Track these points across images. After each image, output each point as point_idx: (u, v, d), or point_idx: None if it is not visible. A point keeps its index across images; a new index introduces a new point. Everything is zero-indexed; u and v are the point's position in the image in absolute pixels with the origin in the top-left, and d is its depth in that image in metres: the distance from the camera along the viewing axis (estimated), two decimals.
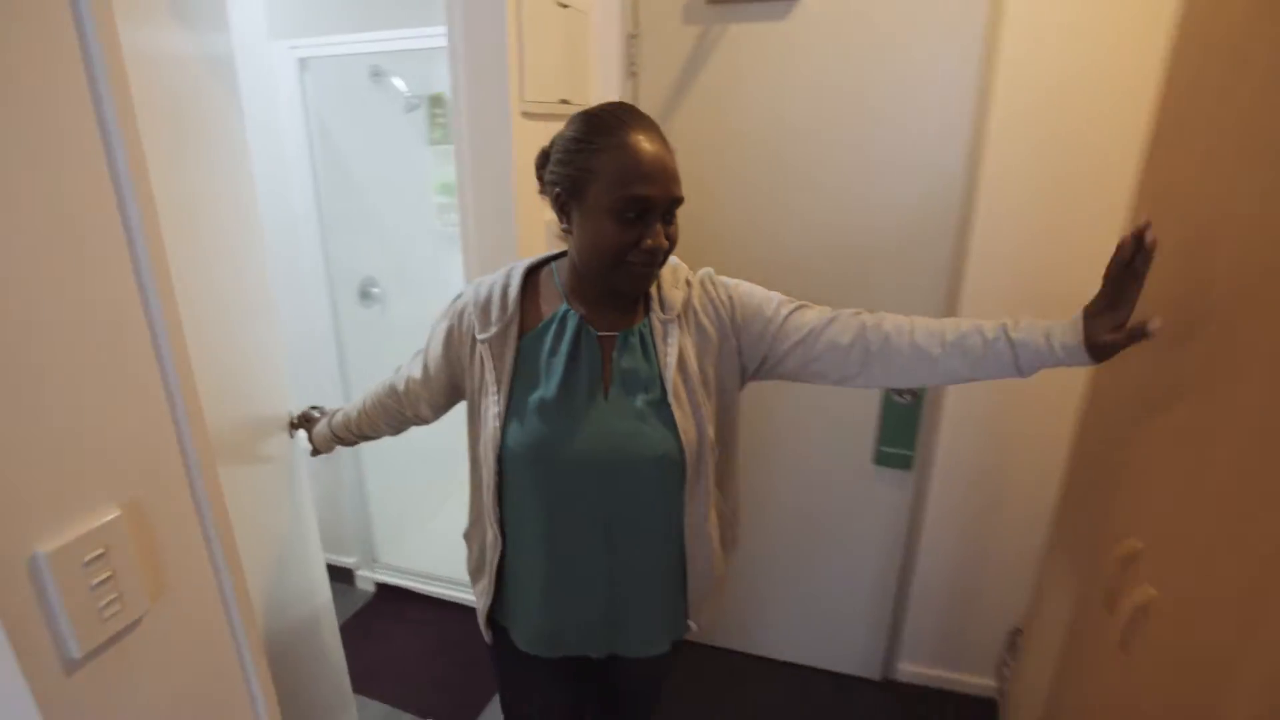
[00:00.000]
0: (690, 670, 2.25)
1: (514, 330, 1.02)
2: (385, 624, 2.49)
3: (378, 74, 2.48)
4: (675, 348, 1.01)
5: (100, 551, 0.65)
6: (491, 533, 1.08)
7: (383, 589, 2.66)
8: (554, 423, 0.99)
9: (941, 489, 1.96)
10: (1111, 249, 0.86)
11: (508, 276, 1.06)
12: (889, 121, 1.68)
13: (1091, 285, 0.90)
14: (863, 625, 2.18)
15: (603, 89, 1.81)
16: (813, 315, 1.04)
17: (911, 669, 2.21)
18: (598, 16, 1.75)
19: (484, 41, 1.34)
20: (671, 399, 0.99)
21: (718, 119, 1.80)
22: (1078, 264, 1.56)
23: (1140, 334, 0.85)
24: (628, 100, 1.77)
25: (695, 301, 1.04)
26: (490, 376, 1.01)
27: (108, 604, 0.67)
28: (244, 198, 1.18)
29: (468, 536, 1.20)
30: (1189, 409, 0.89)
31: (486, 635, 1.20)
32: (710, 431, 1.03)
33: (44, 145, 0.58)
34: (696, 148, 1.82)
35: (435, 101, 2.74)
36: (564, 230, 0.99)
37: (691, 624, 1.16)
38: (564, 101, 1.61)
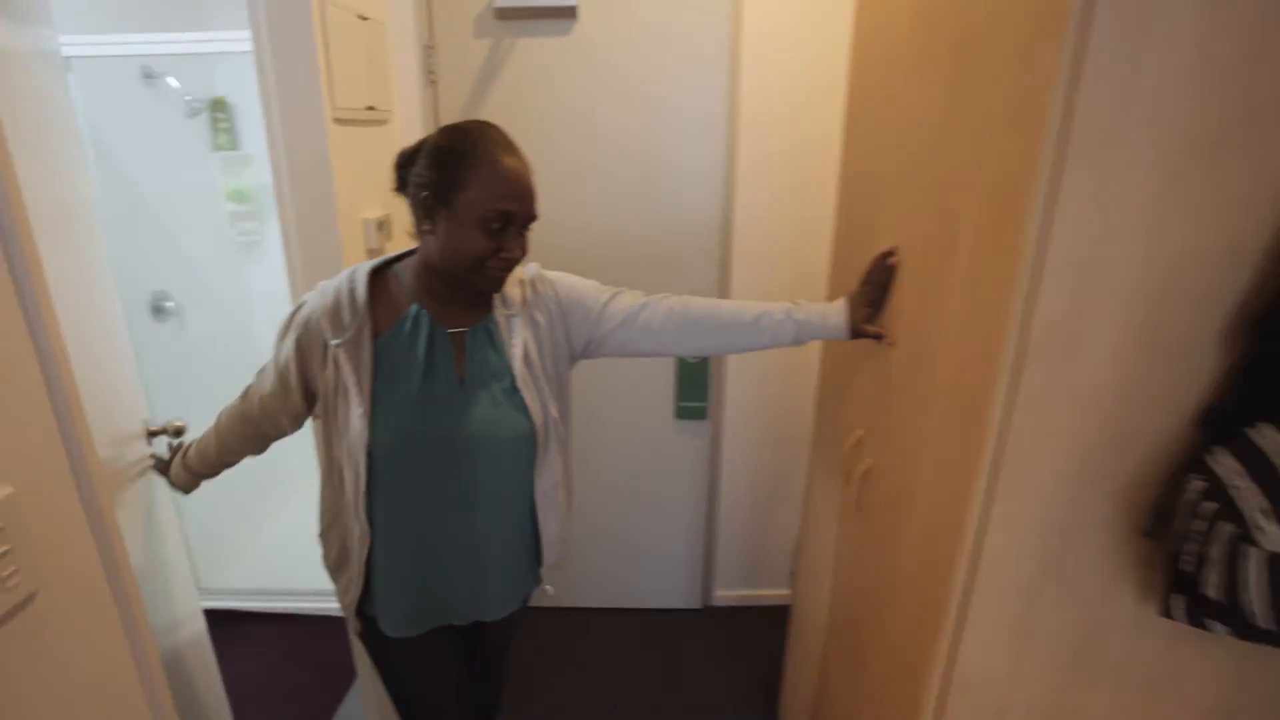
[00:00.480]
0: (539, 634, 2.44)
1: (367, 333, 1.08)
2: (221, 649, 2.41)
3: (150, 76, 2.37)
4: (520, 340, 1.14)
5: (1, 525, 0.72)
6: (359, 527, 1.13)
7: (210, 615, 2.54)
8: (419, 416, 1.08)
9: (733, 432, 2.32)
10: (830, 232, 1.21)
11: (351, 281, 1.11)
12: (658, 131, 1.99)
13: (822, 262, 1.23)
14: (683, 563, 2.50)
15: (405, 96, 1.93)
16: (628, 300, 1.21)
17: (725, 593, 2.58)
18: (395, 28, 1.87)
19: (293, 50, 1.42)
20: (520, 385, 1.12)
21: (511, 124, 1.97)
22: (811, 244, 1.98)
23: (881, 336, 1.16)
24: (429, 105, 1.91)
25: (529, 297, 1.17)
26: (350, 380, 1.06)
27: (9, 575, 0.74)
28: (85, 198, 1.19)
29: (324, 536, 1.24)
30: (879, 344, 1.25)
31: (356, 626, 1.24)
32: (554, 410, 1.17)
33: None
34: None
35: (217, 106, 2.64)
36: (423, 231, 1.08)
37: (548, 588, 1.31)
38: (370, 109, 1.71)
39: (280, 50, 1.43)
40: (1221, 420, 0.80)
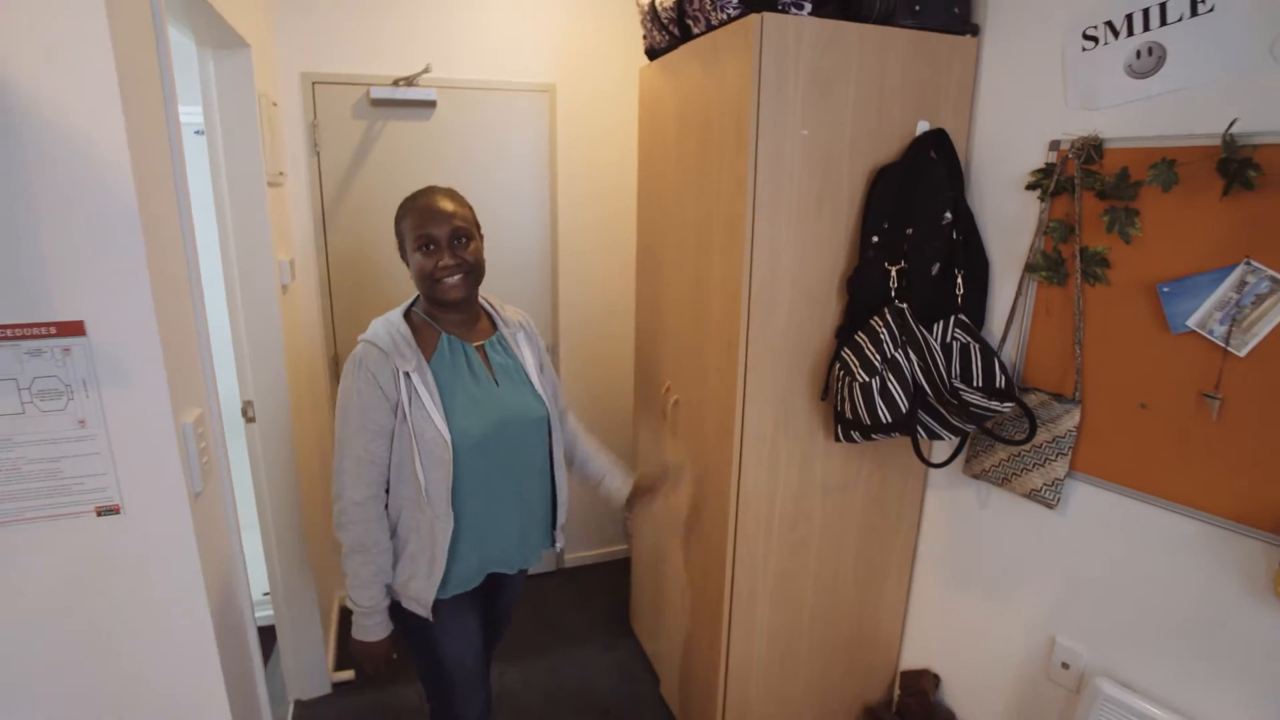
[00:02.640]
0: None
1: (423, 360, 1.37)
2: None
3: None
4: (526, 349, 1.52)
5: (201, 429, 1.19)
6: (442, 519, 1.37)
7: None
8: (479, 412, 1.39)
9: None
10: (627, 266, 1.93)
11: (390, 325, 1.39)
12: (497, 194, 2.64)
13: (628, 267, 1.95)
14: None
15: (295, 164, 2.38)
16: (563, 402, 1.68)
17: (575, 555, 3.18)
18: (286, 108, 2.33)
19: (241, 127, 1.87)
20: (535, 380, 1.50)
21: (382, 187, 2.53)
22: (615, 277, 2.74)
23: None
24: (314, 171, 2.39)
25: (525, 324, 1.57)
26: (425, 396, 1.34)
27: (205, 461, 1.21)
28: None
29: (394, 546, 1.44)
30: (672, 317, 2.00)
31: (428, 613, 1.43)
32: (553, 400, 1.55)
33: None
34: (371, 210, 2.52)
35: None
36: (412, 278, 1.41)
37: (559, 544, 1.65)
38: (281, 174, 2.17)
39: (229, 127, 1.87)
40: (843, 332, 1.65)
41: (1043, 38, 1.59)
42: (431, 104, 2.49)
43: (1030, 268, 1.63)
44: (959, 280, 1.63)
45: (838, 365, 1.62)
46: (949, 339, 1.61)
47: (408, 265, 1.41)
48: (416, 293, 1.48)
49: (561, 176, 2.70)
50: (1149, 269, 1.46)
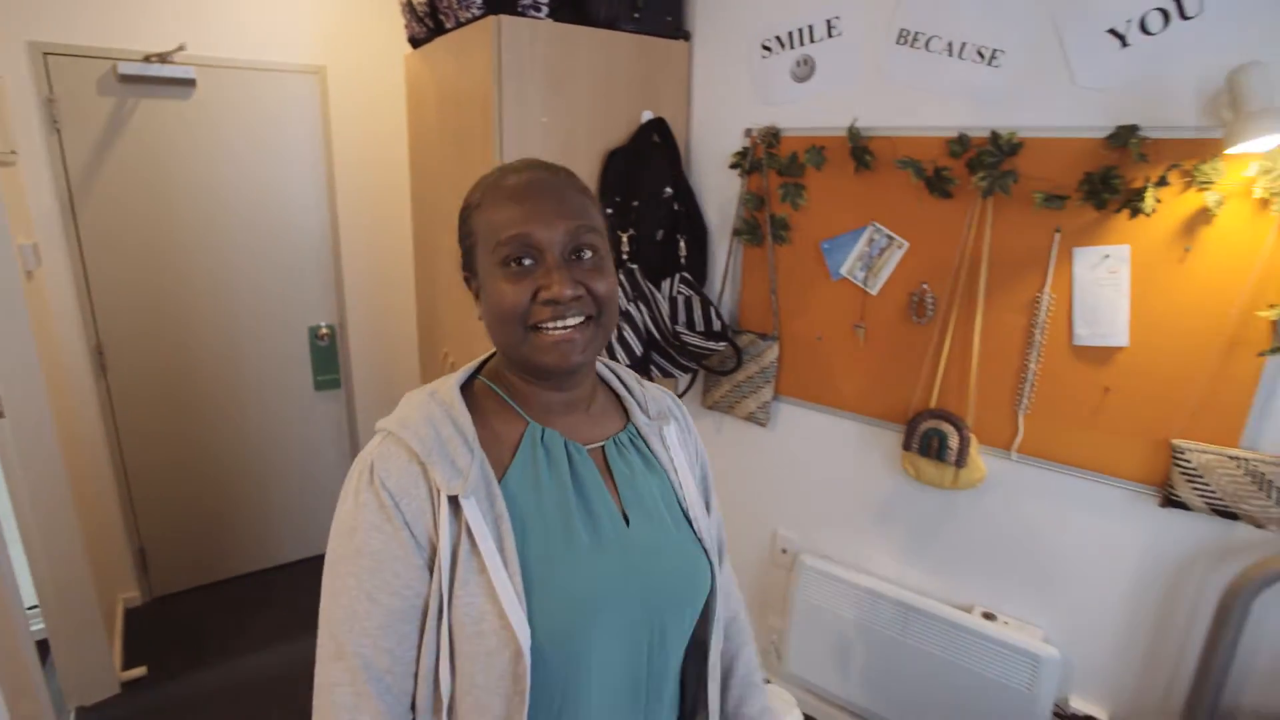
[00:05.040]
0: (237, 601, 2.82)
1: (490, 472, 0.71)
2: None
3: None
4: (679, 453, 0.84)
5: None
6: None
7: None
8: (591, 579, 0.71)
9: (361, 390, 3.05)
10: (405, 250, 2.07)
11: (434, 405, 0.73)
12: (266, 181, 2.65)
13: (405, 265, 2.10)
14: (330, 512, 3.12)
15: (30, 141, 2.24)
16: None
17: None
18: (12, 82, 2.18)
19: None
20: (693, 512, 0.81)
21: (147, 168, 2.45)
22: (396, 254, 2.85)
23: None
24: (55, 150, 2.27)
25: (675, 412, 0.89)
26: (489, 547, 0.67)
27: None
28: None
29: None
30: (445, 288, 2.19)
31: None
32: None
33: None
34: (131, 191, 2.43)
35: None
36: (481, 319, 0.77)
37: None
38: (13, 152, 2.05)
39: None
40: None
41: (736, 45, 1.95)
42: (191, 83, 2.44)
43: (737, 232, 2.01)
44: (682, 244, 1.97)
45: None
46: (675, 293, 1.95)
47: (476, 295, 0.79)
48: (487, 352, 0.84)
49: (339, 158, 2.75)
50: (815, 231, 1.88)
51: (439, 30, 1.99)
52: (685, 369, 1.97)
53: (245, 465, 2.85)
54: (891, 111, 1.70)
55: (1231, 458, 1.34)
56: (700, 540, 0.80)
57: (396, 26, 2.28)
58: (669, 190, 1.96)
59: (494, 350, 0.82)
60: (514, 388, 0.78)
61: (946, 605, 1.77)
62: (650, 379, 1.99)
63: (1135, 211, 1.39)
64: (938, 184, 1.63)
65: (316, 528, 3.09)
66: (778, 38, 1.86)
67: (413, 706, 0.70)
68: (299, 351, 2.87)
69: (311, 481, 3.02)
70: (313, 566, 3.01)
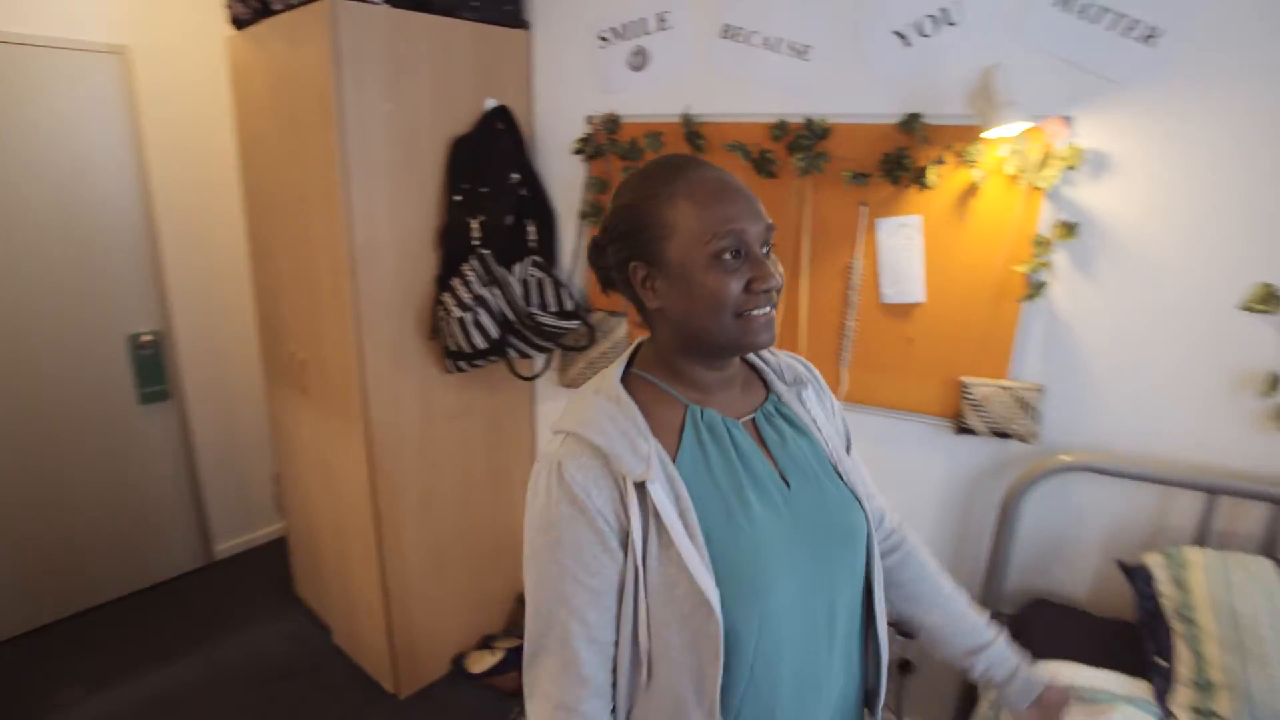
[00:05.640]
0: (57, 655, 2.52)
1: (666, 457, 0.79)
2: None
3: None
4: (818, 412, 0.93)
5: None
6: None
7: None
8: (773, 538, 0.79)
9: (198, 405, 2.84)
10: (239, 246, 1.98)
11: (609, 402, 0.81)
12: (59, 174, 2.40)
13: (240, 260, 2.00)
14: (175, 530, 2.89)
15: None
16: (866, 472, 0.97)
17: (227, 545, 3.06)
18: None
19: None
20: (841, 466, 0.89)
21: None
22: (229, 249, 2.68)
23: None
24: None
25: (805, 375, 0.96)
26: (676, 522, 0.75)
27: None
28: None
29: None
30: (289, 282, 2.10)
31: None
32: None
33: None
34: None
35: None
36: (654, 314, 0.83)
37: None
38: None
39: None
40: (441, 279, 1.94)
41: (574, 35, 2.03)
42: None
43: (583, 215, 2.10)
44: (531, 228, 2.03)
45: (440, 307, 1.91)
46: (527, 276, 2.01)
47: (650, 299, 0.82)
48: (633, 343, 0.91)
49: (153, 148, 2.52)
50: None
51: (266, 11, 1.91)
52: (542, 349, 2.03)
53: (59, 494, 2.56)
54: (721, 99, 1.86)
55: (1003, 388, 1.62)
56: (852, 490, 0.88)
57: (213, 5, 2.14)
58: (516, 176, 2.01)
59: (635, 345, 0.90)
60: (672, 373, 0.85)
61: None
62: (508, 361, 2.05)
63: (923, 186, 1.63)
64: (763, 165, 1.81)
65: (155, 552, 2.84)
66: (613, 29, 1.97)
67: (614, 669, 0.80)
68: (117, 362, 2.61)
69: (144, 503, 2.77)
70: (146, 600, 2.76)
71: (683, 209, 0.77)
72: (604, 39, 1.98)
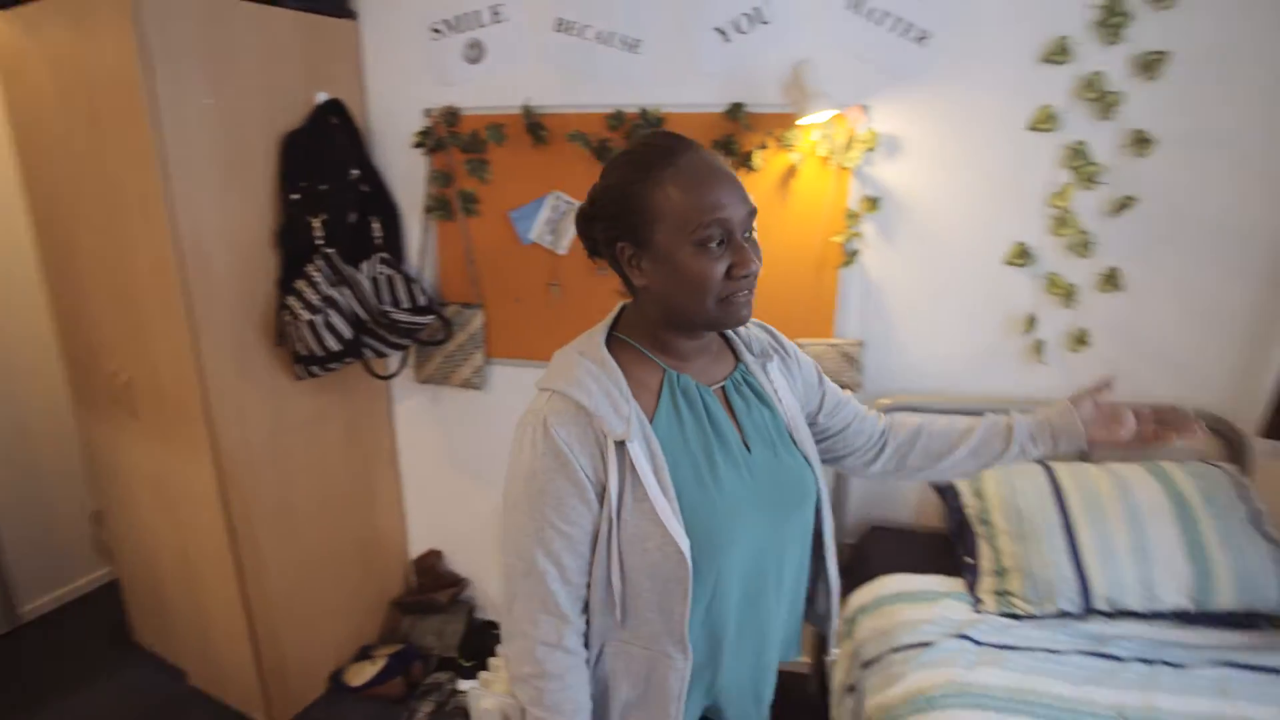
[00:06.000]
0: None
1: (644, 419, 0.87)
2: None
3: None
4: (781, 381, 1.00)
5: None
6: (678, 659, 0.89)
7: None
8: (729, 499, 0.88)
9: None
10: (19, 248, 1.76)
11: (593, 362, 0.88)
12: None
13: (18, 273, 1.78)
14: None
15: None
16: (847, 395, 1.10)
17: (35, 604, 2.69)
18: None
19: None
20: (798, 438, 0.98)
21: None
22: (15, 264, 2.36)
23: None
24: None
25: (771, 343, 1.04)
26: (651, 479, 0.84)
27: None
28: None
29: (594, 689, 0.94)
30: (103, 295, 1.91)
31: None
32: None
33: None
34: None
35: None
36: (637, 287, 0.90)
37: (834, 650, 1.20)
38: None
39: None
40: (284, 282, 1.85)
41: (406, 26, 2.00)
42: None
43: (429, 209, 2.08)
44: (376, 225, 1.99)
45: (285, 311, 1.82)
46: (376, 274, 1.97)
47: (636, 275, 0.88)
48: (617, 307, 0.98)
49: None
50: (503, 202, 2.04)
51: None
52: (398, 346, 2.00)
53: None
54: (559, 91, 1.92)
55: (831, 345, 1.84)
56: (806, 458, 0.97)
57: None
58: (356, 172, 1.95)
59: (619, 309, 0.96)
60: (653, 339, 0.92)
61: None
62: (364, 362, 2.00)
63: (750, 169, 1.80)
64: (604, 154, 1.90)
65: None
66: (446, 21, 1.97)
67: (586, 608, 0.90)
68: None
69: None
70: None
71: (670, 195, 0.81)
72: (437, 31, 1.98)
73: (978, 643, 1.46)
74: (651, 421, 0.87)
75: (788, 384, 1.01)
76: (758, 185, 1.84)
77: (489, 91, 1.98)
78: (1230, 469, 1.63)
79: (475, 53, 1.97)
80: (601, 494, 0.85)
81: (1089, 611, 1.52)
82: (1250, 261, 1.67)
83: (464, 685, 2.19)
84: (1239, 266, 1.67)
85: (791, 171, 1.81)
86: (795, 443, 0.98)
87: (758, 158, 1.79)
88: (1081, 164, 1.66)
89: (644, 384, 0.90)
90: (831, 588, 1.07)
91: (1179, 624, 1.51)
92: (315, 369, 1.87)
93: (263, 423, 1.92)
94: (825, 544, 1.04)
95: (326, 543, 2.18)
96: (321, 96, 1.94)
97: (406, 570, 2.52)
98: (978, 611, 1.56)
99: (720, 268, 0.82)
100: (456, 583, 2.43)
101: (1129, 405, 1.01)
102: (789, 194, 1.83)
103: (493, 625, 2.40)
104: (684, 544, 0.84)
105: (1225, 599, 1.48)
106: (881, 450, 1.11)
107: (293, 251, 1.85)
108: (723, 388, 0.95)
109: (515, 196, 2.03)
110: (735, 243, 0.83)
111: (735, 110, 1.79)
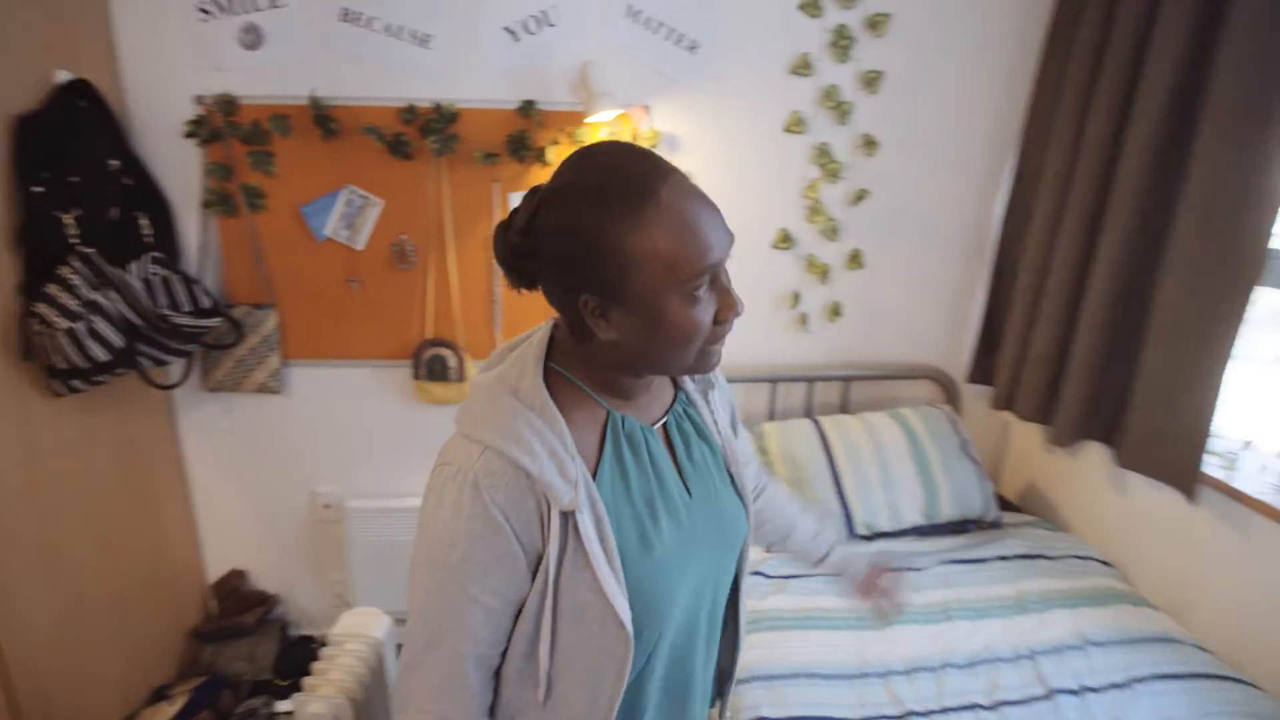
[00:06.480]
0: None
1: (589, 478, 0.73)
2: None
3: None
4: (721, 414, 0.91)
5: None
6: None
7: None
8: (678, 558, 0.78)
9: None
10: None
11: (533, 409, 0.72)
12: None
13: None
14: None
15: None
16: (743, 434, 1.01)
17: None
18: None
19: None
20: (732, 469, 0.89)
21: None
22: None
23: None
24: None
25: (717, 380, 0.94)
26: (596, 546, 0.71)
27: None
28: None
29: None
30: None
31: None
32: None
33: None
34: None
35: None
36: (595, 333, 0.72)
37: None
38: None
39: None
40: (29, 287, 1.64)
41: (167, 4, 1.83)
42: None
43: (206, 204, 1.94)
44: (144, 221, 1.82)
45: (34, 319, 1.62)
46: (148, 275, 1.80)
47: (597, 323, 0.71)
48: (546, 326, 0.81)
49: None
50: (293, 196, 1.96)
51: None
52: (180, 353, 1.85)
53: None
54: (349, 83, 1.88)
55: None
56: (740, 493, 0.89)
57: None
58: (115, 163, 1.77)
59: (548, 331, 0.80)
60: (597, 378, 0.78)
61: None
62: (140, 371, 1.82)
63: (544, 163, 1.90)
64: (398, 148, 1.90)
65: None
66: (216, 2, 1.84)
67: (496, 674, 0.77)
68: None
69: None
70: None
71: (655, 240, 0.66)
72: (206, 11, 1.84)
73: (768, 576, 1.70)
74: (595, 474, 0.75)
75: (726, 414, 0.93)
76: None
77: (270, 80, 1.89)
78: (946, 409, 2.03)
79: (252, 38, 1.87)
80: (537, 563, 0.73)
81: (852, 536, 1.82)
82: (952, 242, 2.08)
83: (283, 706, 2.09)
84: (945, 246, 2.08)
85: None
86: (733, 478, 0.89)
87: (551, 153, 1.89)
88: (826, 161, 1.96)
89: (584, 428, 0.76)
90: (740, 640, 0.99)
91: (917, 537, 1.86)
92: (78, 383, 1.68)
93: (12, 452, 1.67)
94: (740, 592, 0.95)
95: (104, 582, 1.95)
96: (64, 76, 1.73)
97: (205, 596, 2.33)
98: (767, 551, 1.80)
99: (710, 315, 0.71)
100: (264, 601, 2.28)
101: (880, 570, 1.09)
102: None
103: (310, 640, 2.29)
104: (626, 617, 0.72)
105: (947, 511, 1.85)
106: (758, 496, 1.09)
107: (39, 252, 1.64)
108: (664, 425, 0.84)
109: (306, 191, 1.95)
110: (719, 284, 0.72)
111: (527, 107, 1.88)
